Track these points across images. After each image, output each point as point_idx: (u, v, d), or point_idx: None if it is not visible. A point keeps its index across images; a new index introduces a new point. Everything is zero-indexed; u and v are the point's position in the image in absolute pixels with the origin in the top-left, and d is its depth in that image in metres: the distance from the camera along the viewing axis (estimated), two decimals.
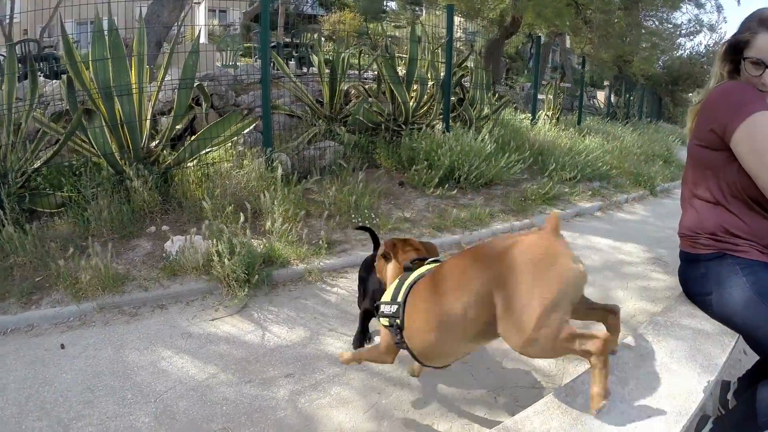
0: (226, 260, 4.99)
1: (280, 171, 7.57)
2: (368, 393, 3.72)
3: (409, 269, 2.36)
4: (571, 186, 10.53)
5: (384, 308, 2.29)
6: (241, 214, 6.23)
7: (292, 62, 14.41)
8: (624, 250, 7.77)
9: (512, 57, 30.07)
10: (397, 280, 2.35)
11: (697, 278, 2.74)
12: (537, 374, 4.10)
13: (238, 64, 14.06)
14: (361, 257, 4.34)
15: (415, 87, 11.08)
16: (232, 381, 3.84)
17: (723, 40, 2.91)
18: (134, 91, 5.85)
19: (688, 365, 2.20)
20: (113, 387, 3.72)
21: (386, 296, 2.34)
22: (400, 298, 2.19)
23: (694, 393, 1.96)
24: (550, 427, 1.72)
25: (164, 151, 6.87)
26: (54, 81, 9.25)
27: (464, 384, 3.87)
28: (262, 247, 5.71)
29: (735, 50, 2.71)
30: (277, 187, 6.78)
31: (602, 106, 28.12)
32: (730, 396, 3.17)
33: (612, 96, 27.66)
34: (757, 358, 2.81)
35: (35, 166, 5.53)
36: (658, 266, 7.11)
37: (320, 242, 6.15)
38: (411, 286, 2.20)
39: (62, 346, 4.10)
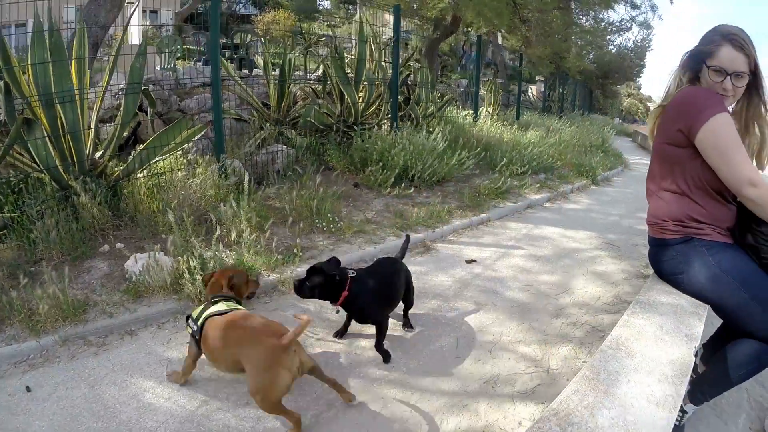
0: (198, 276, 4.74)
1: (234, 179, 7.31)
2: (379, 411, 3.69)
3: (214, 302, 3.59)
4: (519, 179, 11.02)
5: (190, 322, 3.44)
6: (203, 226, 5.96)
7: (232, 64, 13.81)
8: (577, 238, 8.28)
9: (447, 54, 30.79)
10: (202, 306, 3.54)
11: (668, 260, 3.13)
12: (524, 360, 4.30)
13: (177, 67, 13.26)
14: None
15: (362, 87, 11.05)
16: (228, 405, 3.63)
17: (684, 52, 3.24)
18: (76, 97, 5.34)
19: (677, 335, 2.59)
20: (97, 430, 3.42)
21: (195, 312, 3.48)
22: (199, 322, 3.34)
23: (688, 357, 2.38)
24: (587, 402, 1.99)
25: (111, 162, 6.37)
26: None
27: (461, 377, 3.97)
28: (230, 260, 5.48)
29: (697, 60, 3.06)
30: (239, 195, 6.52)
31: (536, 100, 29.62)
32: (697, 361, 3.56)
33: (546, 90, 29.20)
34: (717, 325, 3.40)
35: None
36: (611, 251, 7.66)
37: (294, 250, 6.01)
38: (208, 317, 3.36)
39: (28, 389, 3.70)
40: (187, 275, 4.80)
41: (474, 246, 7.47)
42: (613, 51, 37.59)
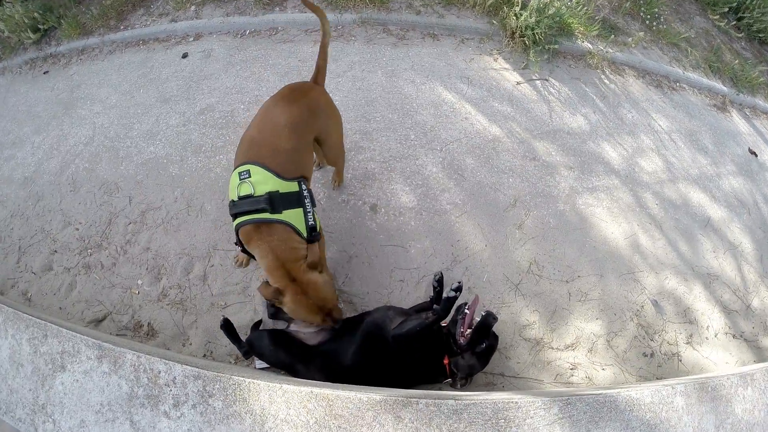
0: (523, 14, 3.46)
1: None
2: (632, 222, 2.89)
3: None
4: None
5: None
6: None
7: None
8: None
9: None
10: None
11: None
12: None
13: None
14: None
15: None
16: (517, 152, 2.89)
17: None
18: None
19: None
20: (391, 121, 2.86)
21: None
22: None
23: None
24: None
25: None
26: None
27: None
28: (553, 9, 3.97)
29: None
30: None
31: None
32: None
33: None
34: None
35: None
36: None
37: (611, 27, 4.19)
38: None
39: None
40: (507, 8, 3.55)
41: None
42: None
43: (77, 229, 2.89)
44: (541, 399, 1.53)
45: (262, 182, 1.87)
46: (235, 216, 1.89)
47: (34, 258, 2.89)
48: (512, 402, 1.48)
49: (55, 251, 2.86)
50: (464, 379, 2.04)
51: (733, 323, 2.80)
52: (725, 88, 4.28)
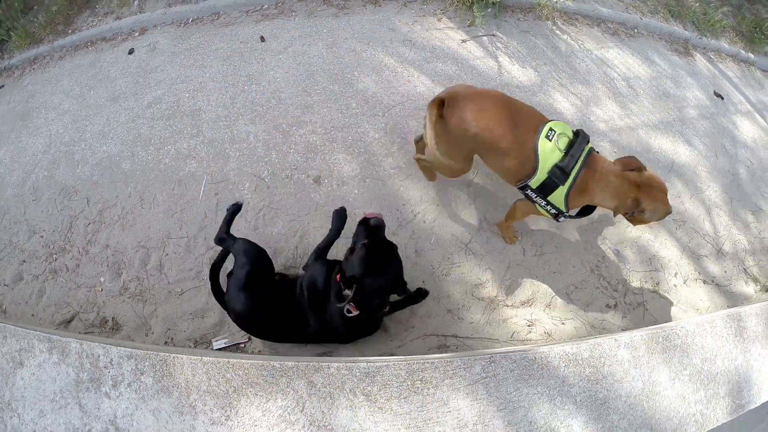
0: None
1: None
2: None
3: None
4: None
5: None
6: None
7: None
8: None
9: None
10: None
11: None
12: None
13: None
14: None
15: None
16: None
17: None
18: None
19: None
20: (332, 92, 2.84)
21: None
22: None
23: None
24: None
25: None
26: None
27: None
28: None
29: None
30: None
31: None
32: None
33: None
34: None
35: None
36: None
37: None
38: None
39: (262, 39, 3.21)
40: None
41: None
42: None
43: (42, 237, 2.94)
44: (461, 358, 1.53)
45: (561, 129, 2.04)
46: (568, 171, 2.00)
47: (5, 270, 2.96)
48: (428, 362, 1.49)
49: (24, 261, 2.92)
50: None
51: (703, 269, 2.78)
52: (687, 33, 4.15)
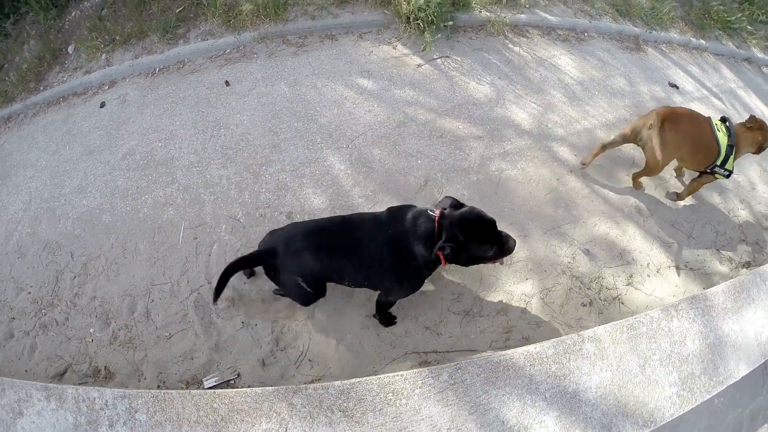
0: None
1: None
2: (550, 177, 3.06)
3: None
4: None
5: None
6: None
7: None
8: None
9: None
10: None
11: None
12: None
13: None
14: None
15: None
16: (423, 133, 3.03)
17: None
18: None
19: None
20: (297, 129, 3.00)
21: None
22: None
23: None
24: None
25: None
26: None
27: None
28: None
29: None
30: None
31: None
32: None
33: None
34: None
35: None
36: None
37: None
38: None
39: (227, 83, 3.37)
40: None
41: None
42: None
43: (29, 293, 3.03)
44: (429, 369, 1.68)
45: (714, 120, 2.94)
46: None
47: None
48: (398, 375, 1.64)
49: (14, 318, 3.01)
50: None
51: (675, 256, 2.95)
52: (636, 29, 4.40)
